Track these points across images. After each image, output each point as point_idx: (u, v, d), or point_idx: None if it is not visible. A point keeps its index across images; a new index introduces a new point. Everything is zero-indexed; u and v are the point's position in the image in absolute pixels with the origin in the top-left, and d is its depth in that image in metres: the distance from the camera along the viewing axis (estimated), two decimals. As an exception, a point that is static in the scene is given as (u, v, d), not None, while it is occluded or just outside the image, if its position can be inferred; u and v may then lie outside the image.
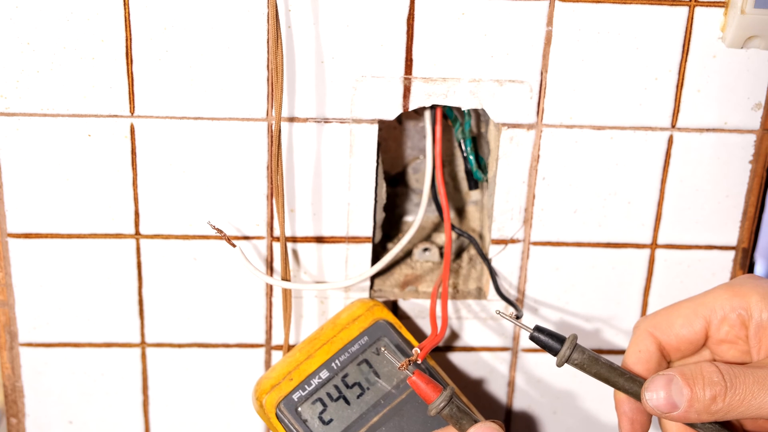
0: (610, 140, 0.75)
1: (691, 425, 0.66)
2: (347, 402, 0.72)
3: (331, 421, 0.72)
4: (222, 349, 0.80)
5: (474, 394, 0.83)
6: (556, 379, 0.82)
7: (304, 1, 0.70)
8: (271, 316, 0.79)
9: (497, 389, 0.83)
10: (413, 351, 0.69)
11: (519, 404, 0.83)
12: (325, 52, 0.71)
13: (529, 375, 0.82)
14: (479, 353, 0.81)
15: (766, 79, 0.73)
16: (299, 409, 0.72)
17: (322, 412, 0.72)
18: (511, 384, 0.83)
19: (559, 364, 0.67)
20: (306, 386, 0.72)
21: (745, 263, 0.79)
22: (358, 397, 0.72)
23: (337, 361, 0.73)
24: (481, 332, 0.81)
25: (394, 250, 0.76)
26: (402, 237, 0.80)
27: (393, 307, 0.80)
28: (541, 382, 0.83)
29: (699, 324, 0.68)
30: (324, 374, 0.73)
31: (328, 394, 0.72)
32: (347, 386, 0.73)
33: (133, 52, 0.70)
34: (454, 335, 0.81)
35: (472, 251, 0.83)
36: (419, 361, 0.69)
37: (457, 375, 0.82)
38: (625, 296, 0.80)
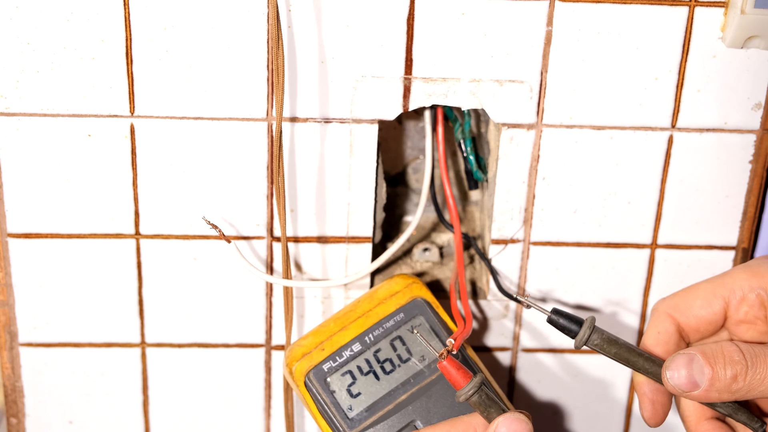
0: (610, 140, 0.75)
1: (710, 405, 0.67)
2: (377, 377, 0.72)
3: (359, 394, 0.71)
4: (222, 349, 0.80)
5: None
6: (555, 379, 0.82)
7: (304, 1, 0.70)
8: (271, 316, 0.79)
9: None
10: (447, 341, 0.69)
11: (519, 404, 0.83)
12: (326, 52, 0.71)
13: (529, 375, 0.82)
14: (479, 353, 0.81)
15: (766, 79, 0.73)
16: (328, 379, 0.71)
17: (350, 385, 0.71)
18: (511, 384, 0.83)
19: (578, 346, 0.66)
20: (337, 357, 0.72)
21: (745, 263, 0.79)
22: (388, 373, 0.72)
23: (370, 335, 0.72)
24: (481, 332, 0.81)
25: (393, 248, 0.76)
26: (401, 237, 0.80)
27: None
28: (541, 383, 0.83)
29: (718, 305, 0.68)
30: (356, 347, 0.72)
31: (359, 368, 0.72)
32: (378, 361, 0.72)
33: (133, 52, 0.70)
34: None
35: (472, 251, 0.83)
36: (454, 352, 0.68)
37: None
38: (625, 296, 0.80)
